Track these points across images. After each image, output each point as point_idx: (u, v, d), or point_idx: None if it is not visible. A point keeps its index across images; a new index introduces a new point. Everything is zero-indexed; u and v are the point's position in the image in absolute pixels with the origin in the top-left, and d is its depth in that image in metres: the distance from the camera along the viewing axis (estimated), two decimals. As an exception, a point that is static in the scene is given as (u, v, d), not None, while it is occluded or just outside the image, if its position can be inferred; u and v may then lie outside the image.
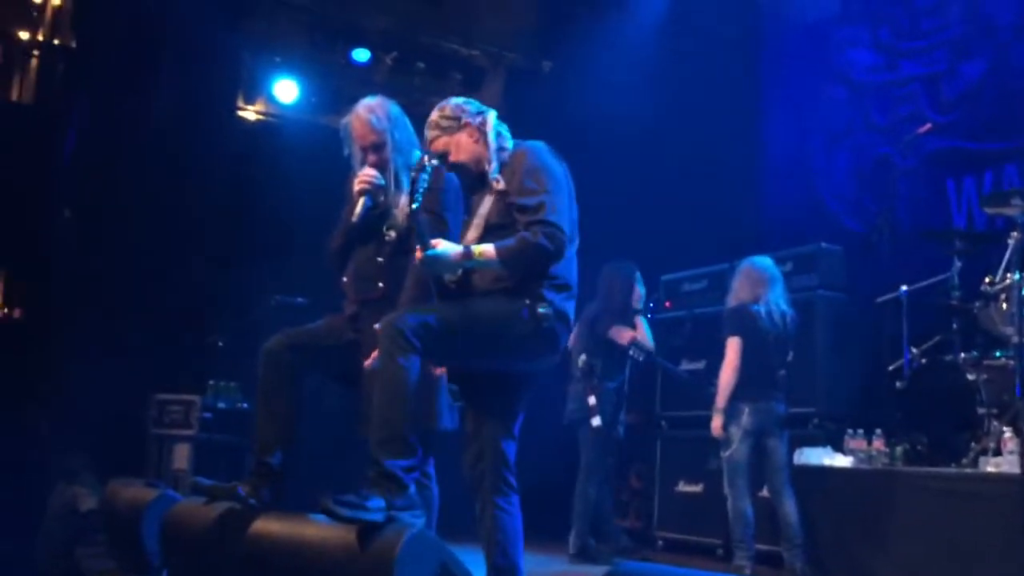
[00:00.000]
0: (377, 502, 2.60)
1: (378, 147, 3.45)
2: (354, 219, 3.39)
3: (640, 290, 6.13)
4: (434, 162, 3.03)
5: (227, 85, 7.53)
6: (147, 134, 6.79)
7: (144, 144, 6.74)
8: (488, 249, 2.91)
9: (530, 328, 2.89)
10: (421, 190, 2.94)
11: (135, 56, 6.78)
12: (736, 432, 5.12)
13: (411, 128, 3.53)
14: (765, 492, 5.55)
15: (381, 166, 3.44)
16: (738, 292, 5.30)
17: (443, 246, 2.93)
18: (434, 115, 3.16)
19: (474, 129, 3.11)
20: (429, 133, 3.17)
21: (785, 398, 5.24)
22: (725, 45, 7.75)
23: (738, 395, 5.12)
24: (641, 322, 6.04)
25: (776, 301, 5.22)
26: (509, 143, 3.13)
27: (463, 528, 4.40)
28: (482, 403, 3.13)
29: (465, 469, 3.13)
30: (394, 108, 3.52)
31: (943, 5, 6.62)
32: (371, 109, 3.47)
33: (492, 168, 3.08)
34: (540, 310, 2.89)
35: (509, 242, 2.89)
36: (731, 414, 5.13)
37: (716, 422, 5.16)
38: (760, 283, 5.23)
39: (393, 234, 3.09)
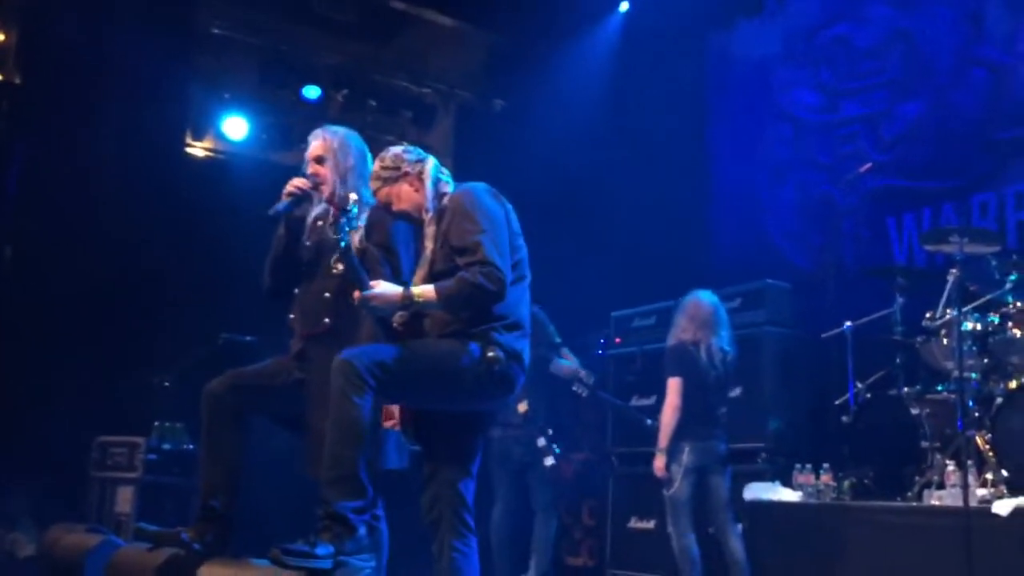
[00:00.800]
0: (325, 548, 2.57)
1: (319, 160, 3.50)
2: (269, 211, 3.40)
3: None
4: (353, 204, 3.06)
5: (175, 121, 7.45)
6: (92, 170, 6.68)
7: (88, 181, 6.63)
8: (428, 290, 2.93)
9: (482, 370, 2.90)
10: (346, 230, 2.97)
11: (80, 92, 6.69)
12: (677, 470, 5.16)
13: (367, 163, 3.56)
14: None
15: (321, 182, 3.47)
16: (681, 331, 5.32)
17: (382, 287, 2.94)
18: (376, 166, 3.23)
19: (414, 178, 3.17)
20: (372, 184, 3.23)
21: (726, 436, 5.31)
22: (673, 82, 7.89)
23: (680, 434, 5.16)
24: (569, 354, 6.04)
25: (719, 346, 5.27)
26: (450, 188, 3.16)
27: (415, 569, 4.36)
28: (438, 444, 3.11)
29: (422, 511, 3.10)
30: (354, 139, 3.61)
31: (883, 48, 6.82)
32: (332, 130, 3.60)
33: (429, 215, 3.12)
34: (490, 353, 2.89)
35: (448, 283, 2.91)
36: (672, 452, 5.18)
37: (659, 462, 5.20)
38: (705, 325, 5.27)
39: (340, 267, 3.06)
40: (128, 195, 6.68)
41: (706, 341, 5.23)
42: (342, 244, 2.93)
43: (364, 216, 3.42)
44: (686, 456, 5.15)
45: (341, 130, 3.62)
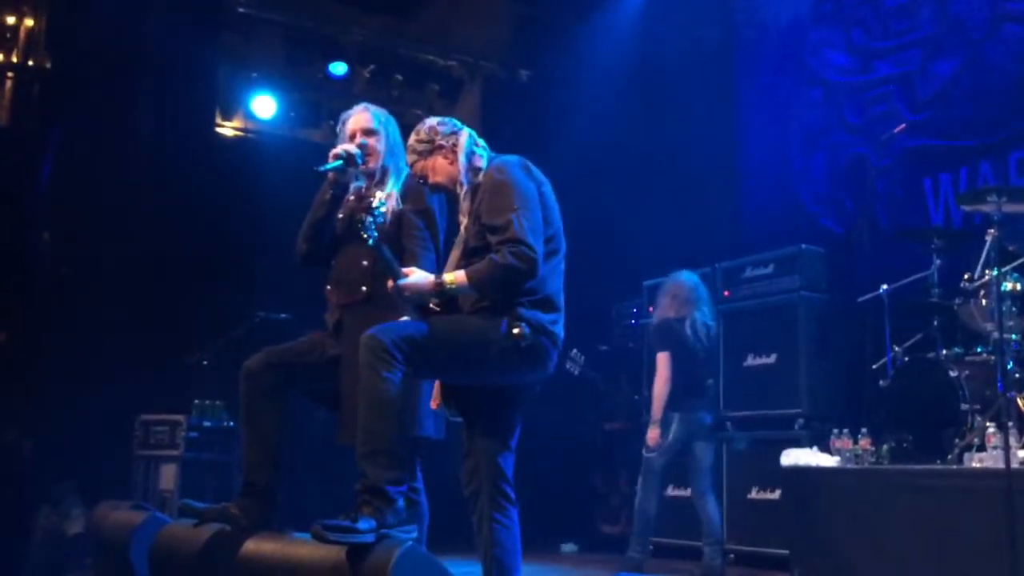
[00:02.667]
0: (367, 523, 2.60)
1: (369, 132, 3.53)
2: (317, 167, 3.40)
3: None
4: (380, 202, 3.08)
5: (205, 102, 7.50)
6: (125, 153, 6.75)
7: (122, 163, 6.70)
8: (459, 276, 2.94)
9: (509, 344, 2.90)
10: (373, 226, 2.96)
11: (111, 75, 6.75)
12: (664, 440, 5.47)
13: (401, 139, 3.59)
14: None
15: (369, 153, 3.50)
16: (664, 309, 5.62)
17: (415, 276, 2.97)
18: (411, 139, 3.22)
19: (448, 150, 3.16)
20: (408, 158, 3.23)
21: (712, 408, 5.69)
22: (701, 49, 7.80)
23: (669, 406, 5.45)
24: None
25: (703, 320, 5.57)
26: (484, 161, 3.15)
27: (456, 540, 4.41)
28: (476, 417, 3.13)
29: (463, 483, 3.13)
30: (391, 118, 3.66)
31: (914, 6, 6.69)
32: (375, 107, 3.64)
33: (464, 189, 3.12)
34: (515, 329, 2.90)
35: (479, 266, 2.92)
36: (662, 424, 5.46)
37: (652, 433, 5.44)
38: (687, 302, 5.56)
39: (378, 262, 3.08)
40: (161, 176, 6.75)
41: (690, 317, 5.52)
42: (370, 243, 2.94)
43: (400, 183, 3.46)
44: (675, 426, 5.45)
45: (383, 109, 3.65)
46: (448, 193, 3.23)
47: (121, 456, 5.94)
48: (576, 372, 6.02)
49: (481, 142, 3.21)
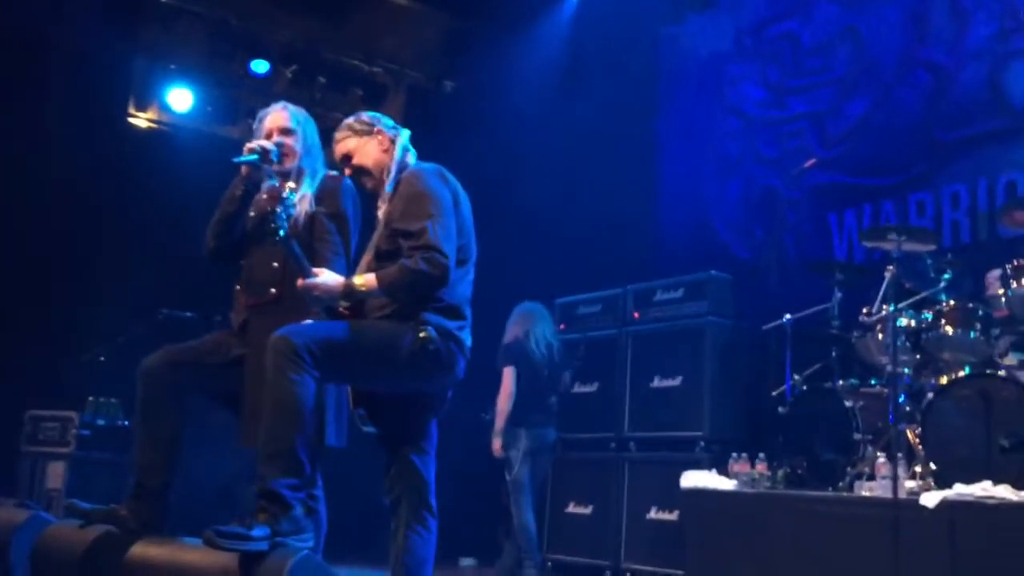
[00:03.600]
0: (261, 530, 2.54)
1: (286, 131, 3.47)
2: (233, 159, 3.33)
3: None
4: (290, 192, 3.05)
5: (118, 90, 7.30)
6: (33, 140, 6.53)
7: (30, 150, 6.47)
8: (370, 279, 2.93)
9: (416, 348, 2.89)
10: (284, 218, 2.93)
11: (22, 59, 6.52)
12: (516, 455, 5.80)
13: (318, 141, 3.56)
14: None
15: (286, 153, 3.43)
16: (513, 330, 5.98)
17: (324, 277, 2.94)
18: (349, 120, 3.22)
19: (385, 138, 3.18)
20: (338, 134, 3.21)
21: (556, 424, 6.03)
22: (625, 70, 7.92)
23: (516, 421, 5.78)
24: None
25: (543, 334, 5.98)
26: (412, 165, 3.14)
27: (355, 548, 4.34)
28: (391, 425, 3.11)
29: (385, 490, 3.10)
30: (311, 120, 3.60)
31: (830, 46, 6.91)
32: (295, 106, 3.57)
33: (388, 183, 3.10)
34: (421, 333, 2.90)
35: (390, 270, 2.91)
36: (511, 439, 5.80)
37: (496, 444, 5.79)
38: (528, 321, 5.96)
39: (286, 258, 3.03)
40: (70, 164, 6.55)
41: (533, 332, 5.90)
42: (280, 234, 2.89)
43: (315, 185, 3.40)
44: (523, 442, 5.79)
45: (299, 107, 3.59)
46: (365, 180, 3.20)
47: (7, 452, 5.70)
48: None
49: (412, 150, 3.22)
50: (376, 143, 3.16)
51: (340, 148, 3.20)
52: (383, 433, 3.12)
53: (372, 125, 3.18)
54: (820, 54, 6.96)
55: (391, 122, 3.24)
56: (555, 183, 7.75)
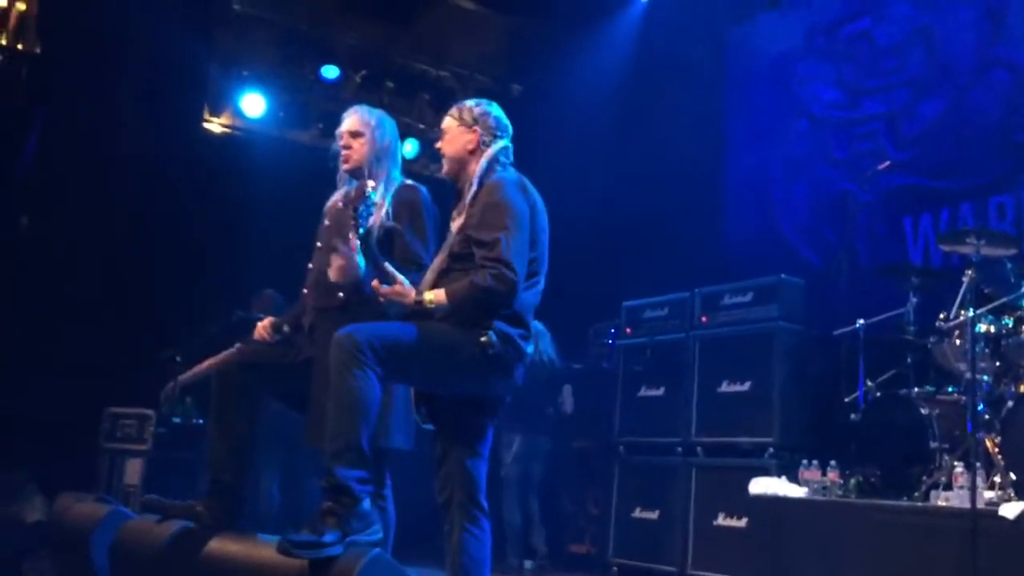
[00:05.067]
0: (332, 535, 2.58)
1: (354, 134, 3.50)
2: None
3: None
4: (372, 191, 3.10)
5: (193, 97, 7.47)
6: (109, 143, 6.71)
7: (106, 153, 6.66)
8: (440, 295, 2.95)
9: (476, 351, 2.92)
10: (365, 216, 2.96)
11: (100, 64, 6.71)
12: (508, 457, 6.43)
13: (399, 145, 3.61)
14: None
15: (352, 155, 3.47)
16: None
17: (397, 288, 2.96)
18: (468, 103, 3.28)
19: (476, 140, 3.19)
20: (451, 110, 3.26)
21: (551, 433, 6.63)
22: (692, 72, 7.86)
23: (512, 427, 6.26)
24: None
25: (544, 350, 6.35)
26: (496, 174, 3.15)
27: (425, 551, 4.38)
28: (448, 425, 3.14)
29: (436, 491, 3.12)
30: (390, 121, 3.62)
31: (905, 46, 6.77)
32: (368, 109, 3.60)
33: (471, 190, 3.12)
34: (483, 338, 2.92)
35: (459, 286, 2.94)
36: (506, 443, 6.37)
37: None
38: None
39: (357, 242, 3.06)
40: (145, 168, 6.72)
41: (536, 350, 6.21)
42: (361, 231, 2.92)
43: (390, 191, 3.42)
44: (516, 447, 6.43)
45: (377, 111, 3.61)
46: (443, 164, 3.24)
47: (88, 448, 5.87)
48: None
49: (510, 161, 3.23)
50: (466, 139, 3.19)
51: (444, 123, 3.26)
52: (439, 430, 3.15)
53: (475, 121, 3.20)
54: (895, 54, 6.82)
55: (501, 128, 3.23)
56: (622, 185, 7.73)
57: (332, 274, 3.03)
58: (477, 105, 3.27)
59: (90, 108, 6.62)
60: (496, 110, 3.28)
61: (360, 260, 3.02)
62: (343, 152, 3.50)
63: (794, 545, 4.86)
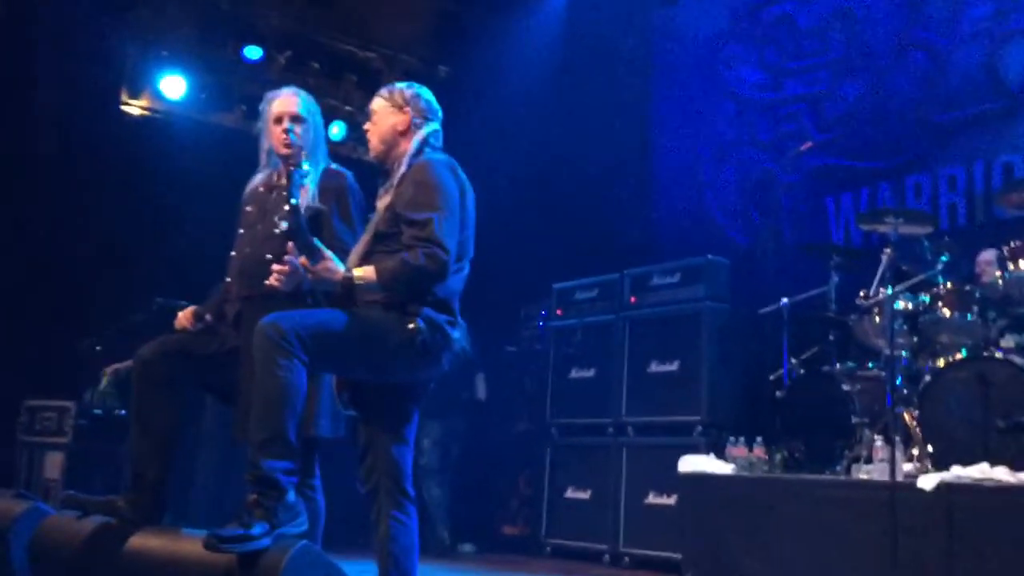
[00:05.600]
0: (261, 527, 2.54)
1: (296, 119, 3.42)
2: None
3: None
4: (305, 160, 3.05)
5: (110, 78, 7.22)
6: (25, 126, 6.48)
7: (22, 137, 6.42)
8: (369, 272, 2.91)
9: (404, 339, 2.89)
10: (298, 186, 2.91)
11: (11, 43, 6.47)
12: (428, 443, 6.73)
13: (324, 131, 3.55)
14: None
15: (298, 145, 3.38)
16: None
17: (327, 263, 2.90)
18: (398, 85, 3.23)
19: (407, 121, 3.14)
20: (381, 91, 3.22)
21: (465, 417, 6.96)
22: (619, 55, 7.89)
23: (431, 413, 6.45)
24: None
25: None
26: (426, 155, 3.11)
27: (354, 539, 4.35)
28: (372, 412, 3.10)
29: (361, 479, 3.09)
30: (318, 108, 3.56)
31: (825, 28, 6.89)
32: (301, 91, 3.52)
33: (400, 170, 3.08)
34: (410, 325, 2.89)
35: (389, 264, 2.90)
36: (426, 431, 6.64)
37: None
38: None
39: (284, 226, 2.95)
40: (62, 152, 6.50)
41: None
42: (293, 201, 2.86)
43: (317, 176, 3.35)
44: (436, 432, 6.80)
45: (311, 96, 3.54)
46: (369, 146, 3.20)
47: (5, 442, 5.69)
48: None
49: (439, 145, 3.19)
50: (396, 120, 3.14)
51: (372, 104, 3.21)
52: (364, 418, 3.12)
53: (405, 103, 3.15)
54: (816, 36, 6.93)
55: (432, 111, 3.19)
56: (550, 168, 7.73)
57: (273, 280, 2.95)
58: (408, 88, 3.23)
59: (5, 90, 6.37)
60: (427, 93, 3.25)
61: (328, 265, 2.91)
62: (284, 136, 3.40)
63: (723, 521, 4.95)
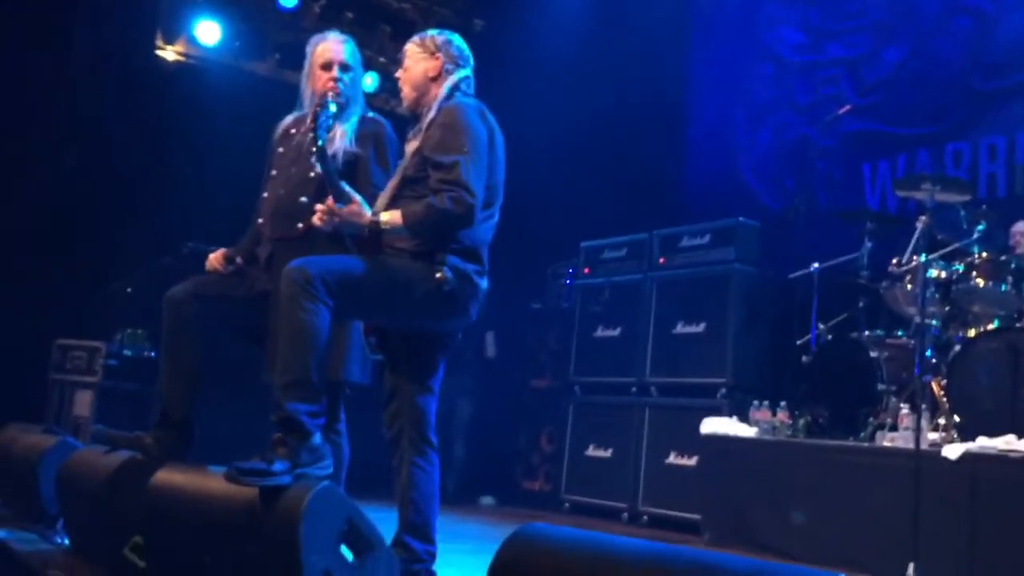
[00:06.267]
0: (281, 464, 2.55)
1: (345, 67, 3.41)
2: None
3: None
4: (331, 100, 3.04)
5: (145, 24, 7.23)
6: (59, 69, 6.50)
7: (56, 79, 6.45)
8: (395, 216, 2.90)
9: (431, 287, 2.89)
10: (325, 127, 2.90)
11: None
12: None
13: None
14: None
15: (345, 94, 3.35)
16: None
17: (354, 207, 2.90)
18: (430, 32, 3.23)
19: (438, 67, 3.14)
20: (410, 41, 3.22)
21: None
22: (656, 14, 7.76)
23: None
24: None
25: None
26: (456, 99, 3.09)
27: (378, 484, 4.40)
28: (398, 359, 3.11)
29: (384, 425, 3.11)
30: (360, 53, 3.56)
31: (869, -11, 6.74)
32: (350, 39, 3.51)
33: (429, 115, 3.06)
34: (437, 274, 2.89)
35: (416, 208, 2.89)
36: None
37: None
38: None
39: (319, 169, 2.97)
40: (96, 96, 6.52)
41: None
42: (319, 143, 2.85)
43: (354, 127, 3.34)
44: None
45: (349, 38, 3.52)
46: (402, 94, 3.19)
47: (37, 380, 5.79)
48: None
49: (470, 90, 3.18)
50: (428, 66, 3.13)
51: (404, 51, 3.20)
52: (389, 363, 3.13)
53: (437, 49, 3.15)
54: (859, -2, 6.79)
55: (463, 58, 3.19)
56: (583, 125, 7.66)
57: (316, 219, 2.95)
58: (440, 34, 3.22)
59: (37, 32, 6.39)
60: (458, 40, 3.24)
61: (355, 208, 2.91)
62: (333, 84, 3.37)
63: (743, 483, 4.96)
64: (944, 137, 6.07)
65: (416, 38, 3.22)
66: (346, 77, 3.40)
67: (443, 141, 2.95)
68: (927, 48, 6.30)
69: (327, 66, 3.40)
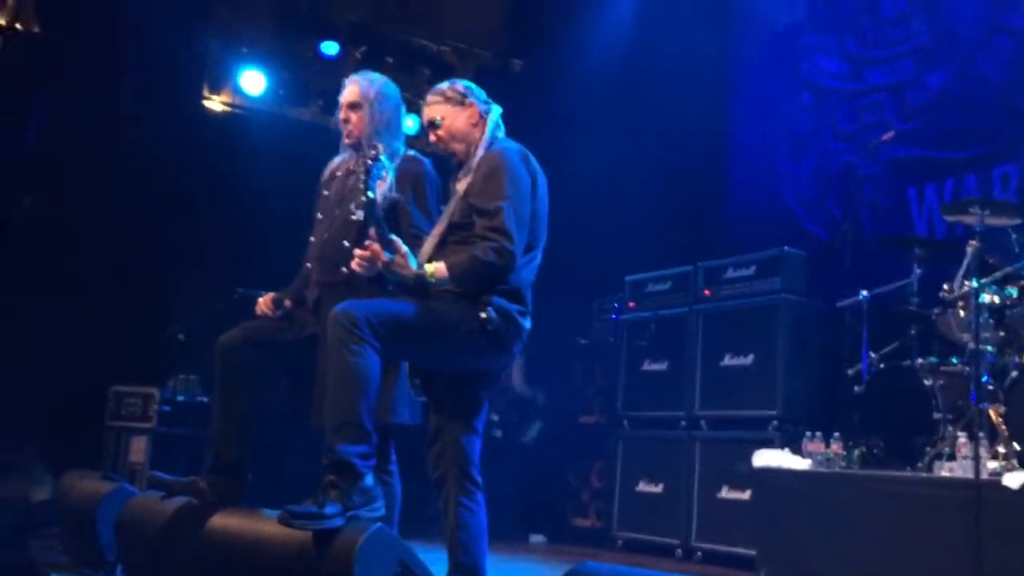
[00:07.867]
0: (334, 507, 2.58)
1: (354, 106, 3.44)
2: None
3: None
4: (382, 154, 3.04)
5: (192, 75, 7.43)
6: (110, 122, 6.69)
7: (107, 133, 6.64)
8: (440, 268, 2.93)
9: (475, 328, 2.91)
10: (375, 181, 2.94)
11: (99, 43, 6.68)
12: None
13: (401, 115, 3.54)
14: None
15: (352, 129, 3.42)
16: None
17: (402, 259, 2.92)
18: (443, 85, 3.22)
19: (476, 112, 3.16)
20: (430, 98, 3.21)
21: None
22: (695, 47, 7.78)
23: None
24: None
25: None
26: (499, 142, 3.14)
27: (429, 526, 4.40)
28: (443, 399, 3.13)
29: (429, 466, 3.12)
30: (392, 88, 3.54)
31: (908, 16, 6.71)
32: (369, 77, 3.52)
33: (477, 154, 3.11)
34: (482, 314, 2.91)
35: (459, 259, 2.93)
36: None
37: None
38: None
39: (361, 215, 3.00)
40: (145, 147, 6.69)
41: None
42: (370, 194, 2.89)
43: (394, 167, 3.36)
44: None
45: (379, 78, 3.53)
46: (449, 150, 3.19)
47: (93, 427, 5.90)
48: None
49: (502, 124, 3.22)
50: (467, 115, 3.15)
51: (429, 112, 3.19)
52: (433, 404, 3.15)
53: (465, 96, 3.17)
54: (899, 24, 6.76)
55: (484, 95, 3.22)
56: (625, 160, 7.68)
57: (355, 265, 2.99)
58: (453, 82, 3.24)
59: (90, 87, 6.59)
60: (468, 82, 3.28)
61: (401, 260, 2.94)
62: (343, 125, 3.47)
63: (798, 517, 4.86)
64: (991, 159, 5.98)
65: (435, 95, 3.20)
66: (355, 115, 3.43)
67: (485, 188, 3.00)
68: (970, 70, 6.24)
69: (341, 108, 3.47)
